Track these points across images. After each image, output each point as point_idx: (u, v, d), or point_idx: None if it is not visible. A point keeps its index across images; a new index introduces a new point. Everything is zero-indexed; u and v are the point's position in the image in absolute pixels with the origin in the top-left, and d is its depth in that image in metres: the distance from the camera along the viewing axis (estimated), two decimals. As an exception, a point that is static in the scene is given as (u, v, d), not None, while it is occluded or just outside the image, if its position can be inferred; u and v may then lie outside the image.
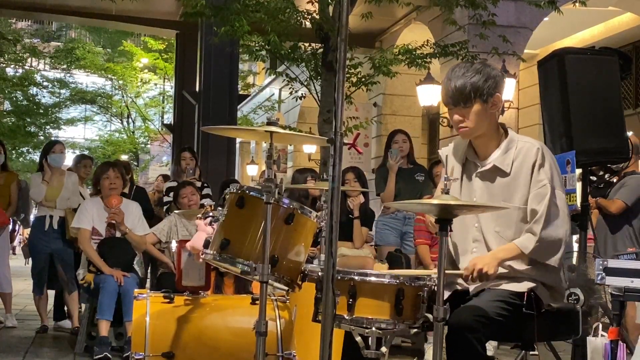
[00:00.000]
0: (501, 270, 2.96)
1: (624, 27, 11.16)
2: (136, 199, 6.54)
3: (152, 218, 6.86)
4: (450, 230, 2.71)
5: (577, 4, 8.90)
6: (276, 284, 3.17)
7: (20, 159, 23.55)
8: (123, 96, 23.93)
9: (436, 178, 5.96)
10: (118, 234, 5.86)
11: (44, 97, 23.77)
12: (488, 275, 2.84)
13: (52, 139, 20.20)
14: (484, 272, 2.83)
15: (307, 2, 8.59)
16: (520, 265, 2.96)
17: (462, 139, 3.13)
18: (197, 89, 12.64)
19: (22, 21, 23.80)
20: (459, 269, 3.10)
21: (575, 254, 5.18)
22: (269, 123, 3.10)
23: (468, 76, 2.95)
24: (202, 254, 3.22)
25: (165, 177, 9.11)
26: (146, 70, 22.52)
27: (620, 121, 4.71)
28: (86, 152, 22.66)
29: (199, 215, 3.84)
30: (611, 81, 4.74)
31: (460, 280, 3.04)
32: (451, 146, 3.22)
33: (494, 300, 2.84)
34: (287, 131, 3.92)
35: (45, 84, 23.50)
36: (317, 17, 8.33)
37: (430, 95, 10.66)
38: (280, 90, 18.11)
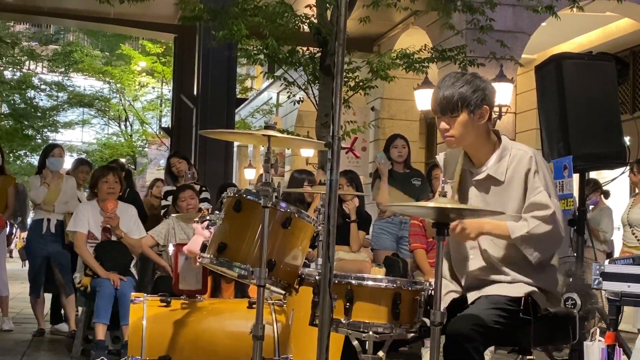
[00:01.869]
0: (498, 276, 2.97)
1: (621, 33, 11.18)
2: (129, 202, 6.51)
3: (146, 222, 6.83)
4: (447, 235, 2.71)
5: (574, 10, 8.92)
6: (273, 288, 3.17)
7: (18, 162, 23.53)
8: (121, 99, 23.92)
9: (434, 180, 5.97)
10: (114, 238, 5.85)
11: (41, 100, 23.75)
12: (467, 237, 2.89)
13: (51, 142, 20.18)
14: (466, 233, 2.88)
15: (305, 7, 8.60)
16: (516, 271, 2.96)
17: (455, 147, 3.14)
18: (195, 92, 12.64)
19: (20, 24, 23.75)
20: (456, 276, 3.10)
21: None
22: (267, 127, 3.10)
23: (457, 86, 2.96)
24: (199, 258, 3.22)
25: (160, 180, 8.97)
26: (144, 74, 22.51)
27: (617, 126, 4.71)
28: (84, 156, 22.69)
29: (196, 219, 3.83)
30: (608, 86, 4.74)
31: (456, 288, 3.04)
32: (447, 152, 3.23)
33: (491, 308, 2.84)
34: (285, 135, 3.91)
35: (43, 87, 23.47)
36: (315, 21, 8.35)
37: (427, 100, 10.53)
38: (278, 94, 18.13)
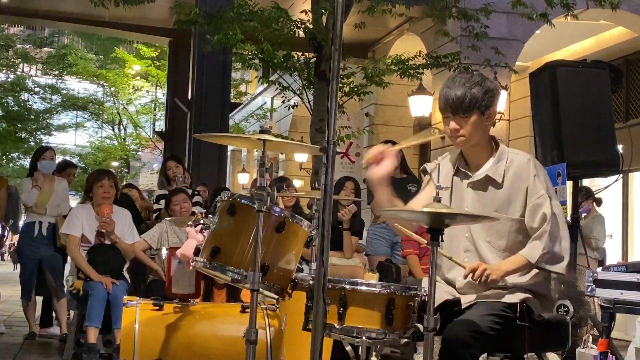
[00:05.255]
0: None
1: (615, 41, 11.24)
2: (122, 205, 6.48)
3: (141, 223, 6.81)
4: (442, 240, 2.71)
5: (569, 17, 8.96)
6: (266, 292, 3.17)
7: (10, 165, 23.46)
8: (115, 103, 23.90)
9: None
10: (107, 241, 5.83)
11: (35, 102, 23.71)
12: (491, 280, 2.85)
13: (43, 144, 20.14)
14: (488, 275, 2.84)
15: (301, 12, 8.61)
16: (514, 277, 2.97)
17: (452, 150, 3.15)
18: (189, 96, 12.63)
19: (15, 27, 23.74)
20: (451, 281, 3.10)
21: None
22: (262, 131, 3.10)
23: (468, 87, 2.98)
24: (192, 262, 3.21)
25: (130, 186, 8.80)
26: (138, 77, 22.51)
27: (611, 134, 4.73)
28: (77, 159, 22.67)
29: (190, 223, 3.82)
30: (602, 94, 4.77)
31: (450, 290, 3.04)
32: (442, 158, 3.24)
33: (488, 314, 2.83)
34: (281, 139, 3.91)
35: (36, 89, 23.44)
36: (311, 26, 8.35)
37: (422, 106, 10.68)
38: (272, 99, 18.11)
